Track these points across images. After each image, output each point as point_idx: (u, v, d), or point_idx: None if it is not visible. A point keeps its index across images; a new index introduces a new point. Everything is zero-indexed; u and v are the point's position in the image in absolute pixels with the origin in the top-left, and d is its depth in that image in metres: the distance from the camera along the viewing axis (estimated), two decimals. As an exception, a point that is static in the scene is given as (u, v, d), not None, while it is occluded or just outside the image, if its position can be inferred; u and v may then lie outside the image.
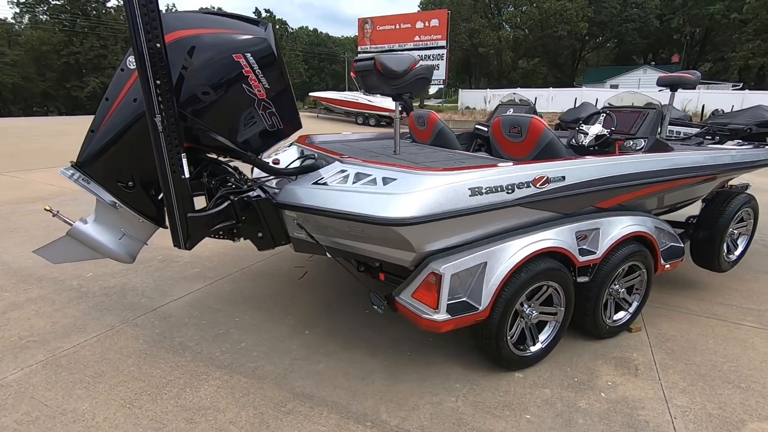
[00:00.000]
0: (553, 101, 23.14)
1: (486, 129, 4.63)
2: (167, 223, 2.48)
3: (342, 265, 2.68)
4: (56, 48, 37.31)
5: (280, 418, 2.13)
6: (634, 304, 2.99)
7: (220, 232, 2.39)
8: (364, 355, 2.66)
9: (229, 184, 2.45)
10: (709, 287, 3.77)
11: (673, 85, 4.56)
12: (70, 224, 2.36)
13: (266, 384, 2.37)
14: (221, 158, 2.56)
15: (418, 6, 41.93)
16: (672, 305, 3.42)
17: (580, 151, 3.47)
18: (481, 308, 2.21)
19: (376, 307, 2.41)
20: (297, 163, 3.01)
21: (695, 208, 3.87)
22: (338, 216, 2.09)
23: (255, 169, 3.12)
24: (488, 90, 29.11)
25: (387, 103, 18.37)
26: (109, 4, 40.82)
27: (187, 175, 2.11)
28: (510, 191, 2.22)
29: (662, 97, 4.28)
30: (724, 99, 19.07)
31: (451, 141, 3.77)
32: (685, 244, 3.31)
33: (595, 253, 2.61)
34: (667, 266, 3.03)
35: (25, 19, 40.42)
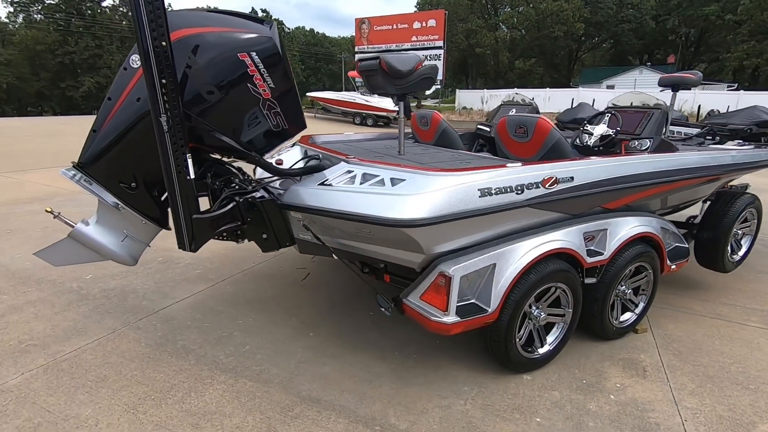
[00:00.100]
0: (549, 102, 23.22)
1: (488, 129, 4.61)
2: (170, 224, 2.45)
3: (348, 266, 2.65)
4: (51, 48, 37.01)
5: (288, 422, 2.10)
6: (641, 305, 2.98)
7: (224, 234, 2.36)
8: (371, 358, 2.63)
9: (233, 185, 2.41)
10: (713, 287, 3.77)
11: (674, 86, 4.56)
12: (72, 226, 2.31)
13: (272, 388, 2.33)
14: (225, 158, 2.53)
15: (415, 6, 41.99)
16: (677, 306, 3.41)
17: (585, 151, 3.45)
18: (490, 310, 2.19)
19: (383, 310, 2.38)
20: (301, 164, 2.98)
21: (695, 209, 3.87)
22: (346, 217, 2.06)
23: (257, 169, 3.09)
24: (485, 90, 29.17)
25: (384, 103, 18.33)
26: (104, 4, 40.63)
27: (192, 175, 2.07)
28: (519, 192, 2.20)
29: (663, 97, 4.27)
30: (719, 99, 19.20)
31: (454, 141, 3.74)
32: (688, 245, 3.30)
33: (602, 254, 2.59)
34: (673, 267, 3.02)
35: (20, 19, 40.14)
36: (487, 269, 2.21)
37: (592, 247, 2.60)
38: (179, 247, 2.21)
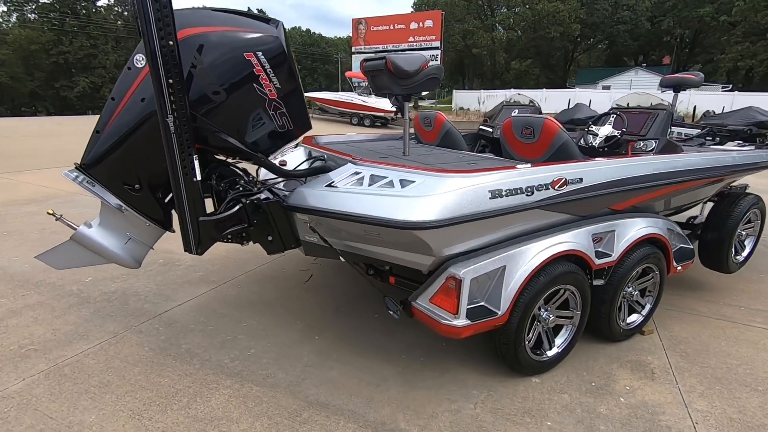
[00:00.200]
0: (546, 102, 23.21)
1: (490, 130, 4.59)
2: (174, 226, 2.42)
3: (355, 269, 2.62)
4: (45, 47, 36.73)
5: (296, 428, 2.06)
6: (647, 307, 2.97)
7: (229, 236, 2.32)
8: (377, 361, 2.60)
9: (238, 186, 2.38)
10: (716, 288, 3.77)
11: (676, 86, 4.57)
12: (74, 228, 2.27)
13: (279, 392, 2.30)
14: (229, 159, 2.50)
15: (412, 7, 42.03)
16: (681, 307, 3.40)
17: (590, 152, 3.44)
18: (500, 313, 2.17)
19: (391, 313, 2.36)
20: (306, 165, 2.95)
21: (695, 209, 3.87)
22: (355, 220, 2.03)
23: (260, 170, 3.06)
24: (482, 90, 29.19)
25: (381, 103, 18.31)
26: (99, 3, 40.36)
27: (199, 177, 2.04)
28: (529, 193, 2.18)
29: (664, 98, 4.27)
30: (714, 100, 19.30)
31: (458, 142, 3.72)
32: (693, 246, 3.30)
33: (610, 255, 2.58)
34: (679, 268, 3.02)
35: (13, 18, 39.81)
36: (496, 271, 2.19)
37: (600, 249, 2.58)
38: (185, 250, 2.17)
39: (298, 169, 2.84)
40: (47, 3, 38.42)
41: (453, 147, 3.68)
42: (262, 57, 2.17)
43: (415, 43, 25.11)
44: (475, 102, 27.16)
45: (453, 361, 2.62)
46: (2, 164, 8.40)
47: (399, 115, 3.34)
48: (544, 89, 26.64)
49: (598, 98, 21.17)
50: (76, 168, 2.21)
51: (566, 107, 6.04)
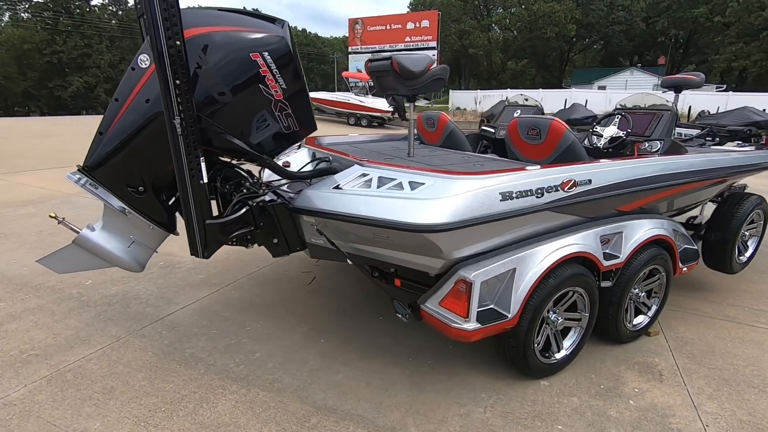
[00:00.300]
0: (542, 102, 23.22)
1: (492, 130, 4.58)
2: (178, 229, 2.38)
3: (362, 271, 2.59)
4: (38, 47, 36.34)
5: (305, 433, 2.04)
6: (654, 308, 2.96)
7: (235, 239, 2.29)
8: (384, 365, 2.57)
9: (243, 188, 2.35)
10: (718, 289, 3.77)
11: (677, 87, 4.58)
12: (77, 232, 2.22)
13: (286, 397, 2.27)
14: (234, 161, 2.46)
15: (408, 7, 42.02)
16: (685, 308, 3.40)
17: (594, 153, 3.43)
18: (510, 316, 2.15)
19: (400, 316, 2.33)
20: (310, 167, 2.93)
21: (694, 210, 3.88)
22: (366, 222, 2.01)
23: (262, 172, 3.02)
24: (478, 90, 29.23)
25: (378, 103, 18.30)
26: (93, 2, 40.03)
27: (205, 179, 2.00)
28: (539, 195, 2.16)
29: (667, 98, 4.28)
30: (709, 100, 19.41)
31: (461, 143, 3.71)
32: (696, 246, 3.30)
33: (618, 257, 2.57)
34: (685, 269, 3.01)
35: (6, 17, 39.41)
36: (506, 274, 2.17)
37: (607, 251, 2.57)
38: (192, 254, 2.14)
39: (302, 170, 2.82)
40: (40, 2, 38.01)
41: (456, 148, 3.66)
42: (269, 57, 2.14)
43: (411, 43, 25.09)
44: (471, 102, 27.19)
45: (461, 364, 2.60)
46: (-3, 165, 8.30)
47: (396, 115, 3.31)
48: (540, 89, 26.69)
49: (594, 98, 21.27)
50: (78, 170, 2.17)
51: (563, 107, 6.06)
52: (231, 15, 2.28)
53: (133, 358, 2.56)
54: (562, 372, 2.55)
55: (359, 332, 2.92)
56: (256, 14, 2.37)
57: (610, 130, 3.38)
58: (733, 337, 3.01)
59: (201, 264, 3.88)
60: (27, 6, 38.68)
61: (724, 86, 28.05)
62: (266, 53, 2.14)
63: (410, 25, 25.44)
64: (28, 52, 36.27)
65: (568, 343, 2.56)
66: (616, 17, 38.78)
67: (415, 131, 4.17)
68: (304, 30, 62.90)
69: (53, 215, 2.19)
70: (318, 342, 2.79)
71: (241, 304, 3.24)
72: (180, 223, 2.25)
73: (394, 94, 2.94)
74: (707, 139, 4.68)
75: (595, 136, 3.48)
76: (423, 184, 2.04)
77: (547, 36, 36.00)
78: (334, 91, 26.04)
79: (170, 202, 2.35)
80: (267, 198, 2.28)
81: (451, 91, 32.16)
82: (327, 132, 2.92)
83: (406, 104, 2.96)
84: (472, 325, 2.07)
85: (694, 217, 3.84)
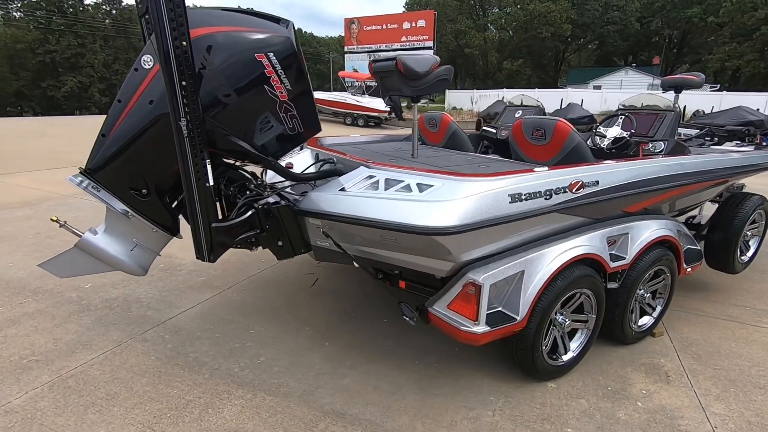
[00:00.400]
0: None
1: (494, 131, 4.57)
2: (181, 232, 2.35)
3: (368, 273, 2.56)
4: (31, 46, 36.00)
5: (313, 439, 2.01)
6: (658, 309, 2.96)
7: (240, 242, 2.26)
8: (391, 368, 2.55)
9: (247, 191, 2.32)
10: (720, 289, 3.78)
11: (677, 87, 4.59)
12: (79, 235, 2.18)
13: (293, 402, 2.24)
14: (238, 163, 2.43)
15: (404, 6, 41.99)
16: (688, 308, 3.41)
17: (598, 153, 3.43)
18: (518, 318, 2.13)
19: (407, 319, 2.31)
20: (314, 168, 2.90)
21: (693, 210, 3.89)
22: (374, 225, 1.98)
23: (265, 173, 2.99)
24: (474, 90, 29.28)
25: (375, 103, 18.29)
26: (86, 2, 39.68)
27: (211, 182, 1.97)
28: (548, 197, 2.15)
29: (669, 98, 4.28)
30: (703, 100, 19.55)
31: (464, 143, 3.69)
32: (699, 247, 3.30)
33: (624, 258, 2.56)
34: (689, 269, 3.02)
35: (-2, 16, 39.00)
36: (515, 276, 2.16)
37: (614, 252, 2.56)
38: (197, 258, 2.11)
39: (307, 172, 2.79)
40: (33, 1, 37.64)
41: (459, 148, 3.64)
42: (274, 58, 2.11)
43: (407, 43, 25.08)
44: (468, 102, 27.23)
45: (467, 366, 2.58)
46: (-9, 166, 8.20)
47: (392, 115, 3.29)
48: (536, 89, 26.76)
49: (589, 98, 21.34)
50: (80, 173, 2.13)
51: (559, 107, 6.06)
52: (235, 15, 2.24)
53: (136, 363, 2.52)
54: (569, 374, 2.54)
55: (364, 334, 2.89)
56: (260, 14, 2.33)
57: (614, 131, 3.37)
58: (737, 337, 3.01)
59: (202, 266, 3.84)
60: (19, 5, 38.31)
61: (718, 86, 28.25)
62: (271, 54, 2.11)
63: (406, 25, 25.42)
64: (21, 52, 35.92)
65: (575, 345, 2.55)
66: (610, 17, 38.96)
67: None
68: (299, 30, 62.74)
69: (55, 219, 2.15)
70: (323, 345, 2.77)
71: (243, 307, 3.21)
72: (183, 225, 2.21)
73: (398, 95, 2.92)
74: (706, 138, 4.70)
75: (598, 137, 3.47)
76: (432, 186, 2.02)
77: (543, 36, 36.13)
78: (329, 90, 26.00)
79: (173, 205, 2.32)
80: (271, 200, 2.25)
81: (447, 91, 32.18)
82: (325, 132, 2.89)
83: (409, 104, 2.94)
84: (481, 328, 2.06)
85: (693, 217, 3.85)
